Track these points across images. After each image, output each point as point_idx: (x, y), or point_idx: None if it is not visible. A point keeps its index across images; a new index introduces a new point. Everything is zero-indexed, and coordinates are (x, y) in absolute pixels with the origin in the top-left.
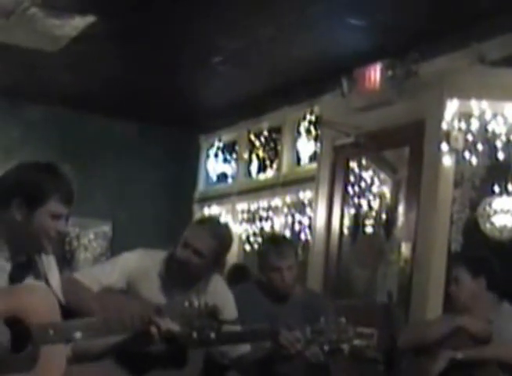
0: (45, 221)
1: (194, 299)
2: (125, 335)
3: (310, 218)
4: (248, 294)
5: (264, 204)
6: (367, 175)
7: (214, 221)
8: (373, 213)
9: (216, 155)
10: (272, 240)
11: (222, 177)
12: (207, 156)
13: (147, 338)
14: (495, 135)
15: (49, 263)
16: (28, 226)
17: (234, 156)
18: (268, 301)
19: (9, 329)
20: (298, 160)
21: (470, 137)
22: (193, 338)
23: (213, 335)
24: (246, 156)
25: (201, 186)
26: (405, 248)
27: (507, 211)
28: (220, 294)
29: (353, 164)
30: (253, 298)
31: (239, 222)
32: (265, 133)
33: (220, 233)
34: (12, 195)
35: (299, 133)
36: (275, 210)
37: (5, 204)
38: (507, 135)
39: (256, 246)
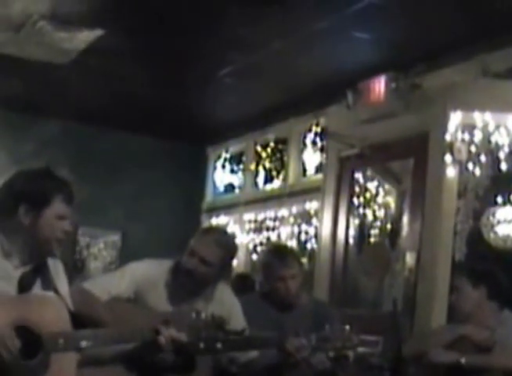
0: (52, 222)
1: (201, 310)
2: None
3: (316, 228)
4: (253, 305)
5: (270, 214)
6: (372, 185)
7: (219, 230)
8: (378, 223)
9: (223, 166)
10: (276, 250)
11: (229, 188)
12: (215, 167)
13: (156, 347)
14: (498, 147)
15: (57, 270)
16: (36, 230)
17: (241, 167)
18: (274, 311)
19: (20, 337)
20: (304, 171)
21: (473, 148)
22: (200, 348)
23: (219, 346)
24: (253, 167)
25: (209, 196)
26: (409, 258)
27: (510, 221)
28: (227, 302)
29: (358, 175)
30: (258, 308)
31: (246, 231)
32: (272, 144)
33: (225, 242)
34: (18, 202)
35: (305, 144)
36: (282, 220)
37: (10, 212)
38: (510, 146)
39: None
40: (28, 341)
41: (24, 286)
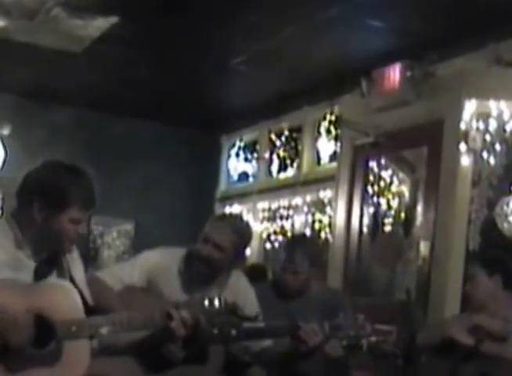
0: (64, 225)
1: (214, 297)
2: (147, 332)
3: (330, 216)
4: (263, 293)
5: (284, 202)
6: (386, 174)
7: (234, 216)
8: (392, 212)
9: (237, 155)
10: (291, 242)
11: (243, 176)
12: (229, 155)
13: (168, 333)
14: None
15: (73, 259)
16: (47, 228)
17: (255, 155)
18: (282, 300)
19: (33, 325)
20: (318, 159)
21: (488, 137)
22: (214, 334)
23: (234, 332)
24: (267, 155)
25: (223, 185)
26: (423, 247)
27: None
28: (242, 290)
29: (372, 164)
30: (267, 296)
31: (259, 220)
32: (286, 133)
33: (239, 227)
34: (34, 196)
35: (319, 133)
36: (296, 209)
37: (26, 204)
38: None
39: (276, 244)
40: (42, 328)
41: (40, 275)
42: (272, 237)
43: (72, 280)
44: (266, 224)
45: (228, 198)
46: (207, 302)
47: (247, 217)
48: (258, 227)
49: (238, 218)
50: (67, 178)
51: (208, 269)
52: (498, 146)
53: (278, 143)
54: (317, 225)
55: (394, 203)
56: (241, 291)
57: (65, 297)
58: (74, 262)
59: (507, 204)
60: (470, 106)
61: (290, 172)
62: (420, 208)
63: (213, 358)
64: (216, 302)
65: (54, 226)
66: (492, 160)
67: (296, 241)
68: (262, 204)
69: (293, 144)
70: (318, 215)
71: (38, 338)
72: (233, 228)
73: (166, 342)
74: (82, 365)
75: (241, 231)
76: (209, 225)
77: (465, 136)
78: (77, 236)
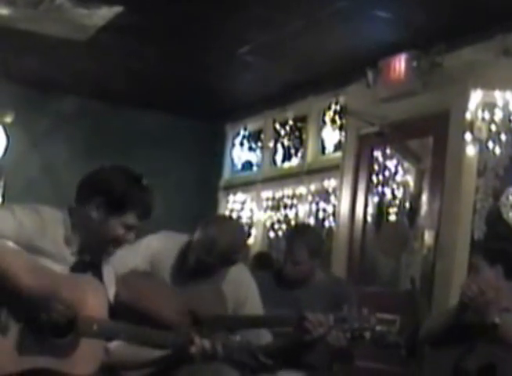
0: (117, 229)
1: (237, 336)
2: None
3: (334, 206)
4: (269, 282)
5: (288, 191)
6: (391, 164)
7: (234, 224)
8: (397, 201)
9: (241, 143)
10: (292, 231)
11: (248, 165)
12: (233, 144)
13: (186, 355)
14: None
15: (108, 268)
16: (100, 228)
17: (259, 144)
18: (287, 288)
19: (55, 314)
20: (323, 149)
21: (493, 127)
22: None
23: (247, 369)
24: (271, 144)
25: (227, 174)
26: (428, 236)
27: None
28: (244, 284)
29: (377, 154)
30: (272, 285)
31: (263, 209)
32: (290, 122)
33: (244, 236)
34: (96, 196)
35: (324, 122)
36: (300, 198)
37: (86, 201)
38: None
39: (280, 233)
40: (62, 319)
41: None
42: (276, 226)
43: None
44: (270, 213)
45: (233, 187)
46: (229, 337)
47: (251, 206)
48: (262, 216)
49: (239, 224)
50: (131, 184)
51: (208, 271)
52: (503, 136)
53: (282, 132)
54: (321, 215)
55: (399, 192)
56: (243, 286)
57: (93, 293)
58: (108, 268)
59: None
60: (475, 97)
61: (295, 161)
62: (425, 198)
63: None
64: (237, 338)
65: (107, 228)
66: (497, 150)
67: (296, 231)
68: (266, 193)
69: (297, 133)
70: (322, 205)
71: (58, 328)
72: (241, 239)
73: (181, 364)
74: (93, 364)
75: (244, 238)
76: (215, 233)
77: (471, 126)
78: (125, 242)
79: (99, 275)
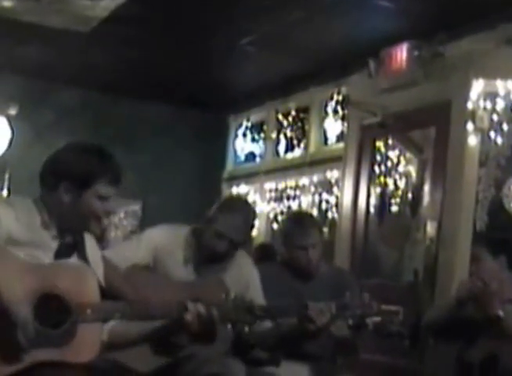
0: (92, 202)
1: (231, 292)
2: (160, 321)
3: (337, 197)
4: (272, 273)
5: (291, 183)
6: (393, 154)
7: (244, 206)
8: (399, 192)
9: (244, 135)
10: (296, 218)
11: (250, 156)
12: (236, 136)
13: (181, 325)
14: None
15: (93, 246)
16: (76, 208)
17: (262, 135)
18: (293, 280)
19: (48, 305)
20: (325, 139)
21: (495, 117)
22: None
23: (246, 329)
24: (274, 135)
25: (229, 165)
26: (430, 227)
27: None
28: (245, 271)
29: (379, 144)
30: (277, 276)
31: (266, 200)
32: (293, 113)
33: (252, 218)
34: (61, 178)
35: (326, 113)
36: (303, 189)
37: (53, 186)
38: None
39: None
40: (57, 308)
41: (60, 257)
42: (279, 218)
43: (89, 265)
44: (273, 204)
45: (235, 178)
46: (224, 296)
47: (254, 197)
48: (265, 207)
49: (247, 204)
50: (91, 157)
51: (219, 259)
52: (505, 126)
53: (285, 123)
54: (324, 206)
55: (402, 183)
56: (245, 273)
57: (83, 279)
58: (93, 249)
59: None
60: (477, 86)
61: (297, 152)
62: (427, 188)
63: (221, 338)
64: (232, 296)
65: (82, 205)
66: (499, 140)
67: (300, 217)
68: (269, 185)
69: (300, 124)
70: (325, 196)
71: (53, 318)
72: (247, 221)
73: (177, 334)
74: (93, 350)
75: (253, 220)
76: (222, 220)
77: (472, 116)
78: (106, 214)
79: (84, 255)
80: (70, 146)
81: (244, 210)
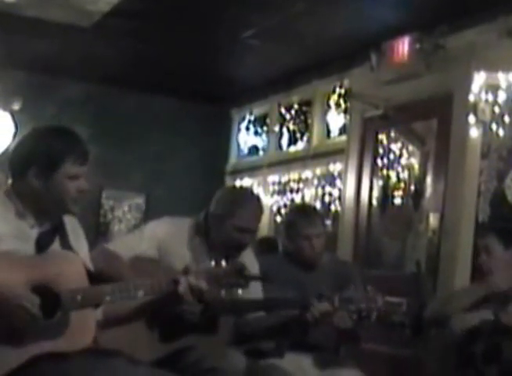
0: (63, 183)
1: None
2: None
3: (340, 189)
4: (276, 264)
5: (294, 176)
6: (396, 147)
7: (250, 194)
8: (402, 184)
9: (247, 128)
10: (300, 209)
11: (253, 150)
12: (239, 129)
13: (176, 298)
14: None
15: (74, 228)
16: (48, 192)
17: (265, 129)
18: (296, 270)
19: (38, 297)
20: (328, 132)
21: (497, 109)
22: (222, 296)
23: (240, 292)
24: (276, 129)
25: (233, 158)
26: (433, 219)
27: None
28: (246, 262)
29: (382, 137)
30: (281, 267)
31: (270, 193)
32: (296, 106)
33: (261, 203)
34: (28, 163)
35: (329, 106)
36: (306, 182)
37: (21, 174)
38: None
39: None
40: (47, 299)
41: (42, 245)
42: (283, 211)
43: (73, 251)
44: (276, 197)
45: (239, 172)
46: (213, 263)
47: (257, 190)
48: (268, 200)
49: (253, 192)
50: (55, 138)
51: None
52: (507, 118)
53: (288, 117)
54: (327, 198)
55: (404, 175)
56: (246, 263)
57: (68, 266)
58: (76, 232)
59: None
60: (479, 78)
61: (300, 146)
62: (429, 180)
63: (223, 328)
64: (223, 263)
65: (53, 187)
66: (501, 132)
67: (304, 208)
68: (272, 178)
69: (302, 117)
70: (328, 188)
71: (45, 309)
72: (260, 207)
73: (172, 306)
74: (88, 335)
75: (262, 205)
76: (240, 214)
77: (474, 108)
78: (80, 194)
79: (66, 240)
80: (34, 131)
81: (254, 198)
